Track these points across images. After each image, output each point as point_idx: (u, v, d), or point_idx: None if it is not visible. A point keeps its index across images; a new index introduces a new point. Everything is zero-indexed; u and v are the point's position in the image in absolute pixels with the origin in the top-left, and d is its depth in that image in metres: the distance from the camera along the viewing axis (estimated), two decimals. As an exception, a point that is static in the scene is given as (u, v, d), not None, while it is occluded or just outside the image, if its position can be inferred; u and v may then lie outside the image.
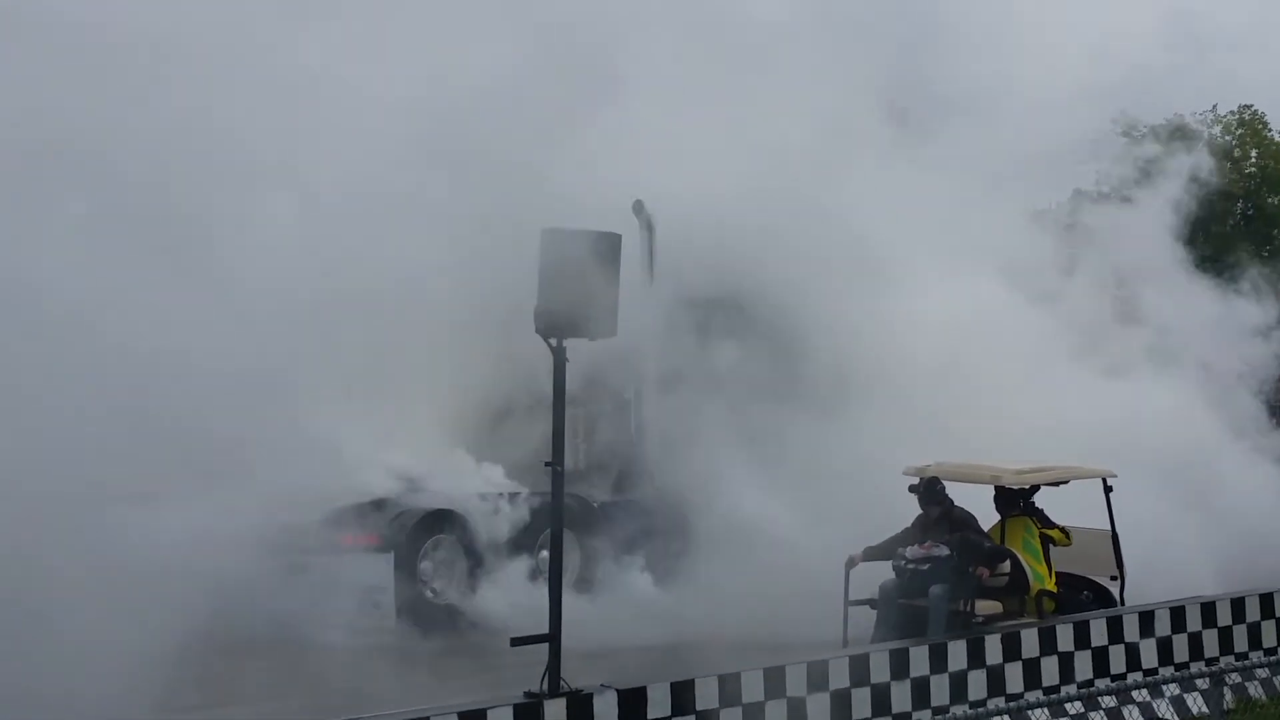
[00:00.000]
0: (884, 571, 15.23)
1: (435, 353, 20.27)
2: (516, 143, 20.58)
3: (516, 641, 11.98)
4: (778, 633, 15.91)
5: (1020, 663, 14.07)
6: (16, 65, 16.11)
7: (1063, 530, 15.59)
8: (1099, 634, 14.68)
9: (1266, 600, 16.00)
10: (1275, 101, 57.49)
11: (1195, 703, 14.30)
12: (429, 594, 19.11)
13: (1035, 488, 15.73)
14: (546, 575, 12.36)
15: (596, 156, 21.12)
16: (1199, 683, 13.91)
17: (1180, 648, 15.23)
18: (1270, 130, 50.63)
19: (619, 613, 18.77)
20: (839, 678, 12.96)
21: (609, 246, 11.99)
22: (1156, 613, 15.18)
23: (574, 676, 11.68)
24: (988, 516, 15.77)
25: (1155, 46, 32.92)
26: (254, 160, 18.71)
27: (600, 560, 20.22)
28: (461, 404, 20.94)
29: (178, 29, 17.93)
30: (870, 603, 15.07)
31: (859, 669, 13.11)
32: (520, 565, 19.35)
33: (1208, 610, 15.53)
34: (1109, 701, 14.02)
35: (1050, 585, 15.34)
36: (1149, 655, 14.98)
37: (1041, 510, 15.73)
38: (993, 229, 23.46)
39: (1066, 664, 14.39)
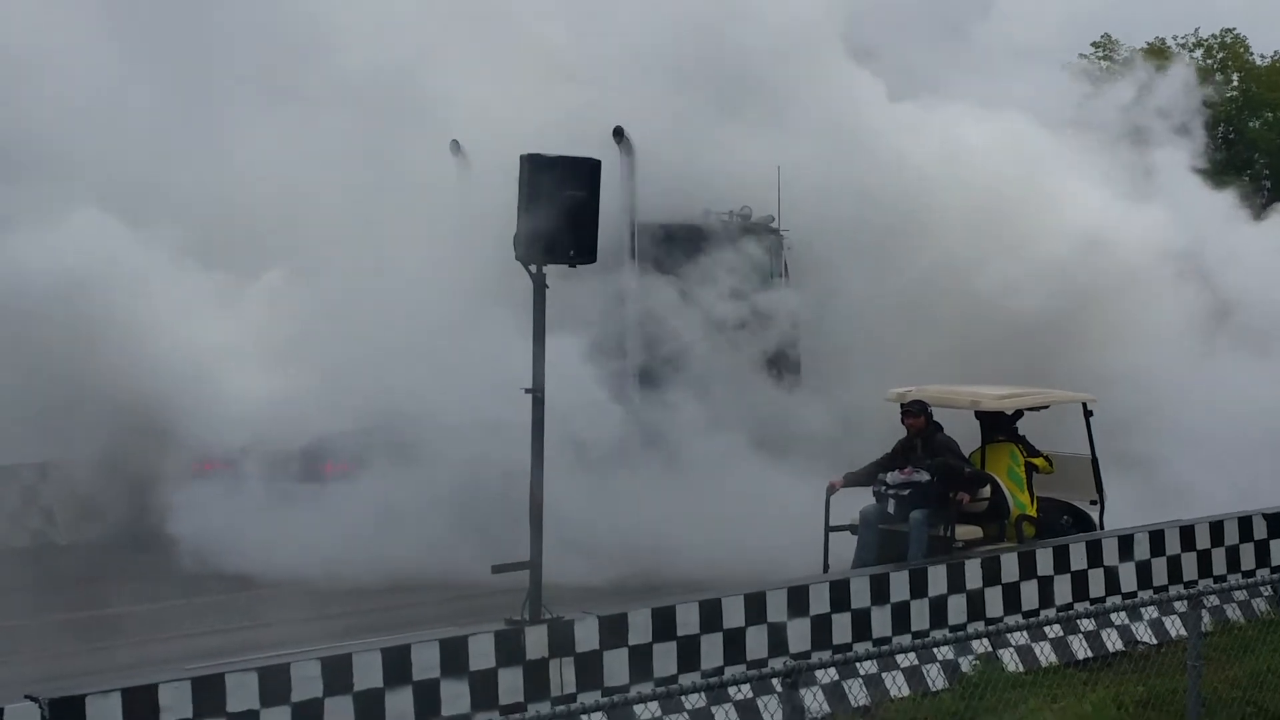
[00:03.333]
0: (864, 497, 15.25)
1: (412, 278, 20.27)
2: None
3: (498, 569, 12.00)
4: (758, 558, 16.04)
5: (1000, 587, 14.12)
6: None
7: (1046, 458, 15.60)
8: (1078, 558, 14.73)
9: (1245, 523, 16.06)
10: (1256, 24, 57.50)
11: (1174, 625, 14.40)
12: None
13: (1019, 414, 15.72)
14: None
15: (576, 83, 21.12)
16: (1177, 605, 14.03)
17: (1159, 571, 15.29)
18: (1252, 53, 50.53)
19: (598, 541, 18.84)
20: (819, 603, 13.01)
21: (589, 172, 11.91)
22: (1135, 536, 15.23)
23: (554, 604, 11.71)
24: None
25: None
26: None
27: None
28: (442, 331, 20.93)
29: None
30: (851, 528, 15.08)
31: (839, 594, 13.16)
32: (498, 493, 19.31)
33: (1186, 534, 15.58)
34: (1088, 625, 14.09)
35: (1031, 512, 15.36)
36: (1128, 579, 15.04)
37: (1025, 438, 15.72)
38: None
39: (1046, 588, 14.44)
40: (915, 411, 15.16)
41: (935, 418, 15.37)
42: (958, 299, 21.48)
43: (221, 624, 15.83)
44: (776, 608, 12.75)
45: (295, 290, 20.02)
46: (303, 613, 16.03)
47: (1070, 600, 14.54)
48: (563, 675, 11.61)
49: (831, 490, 15.13)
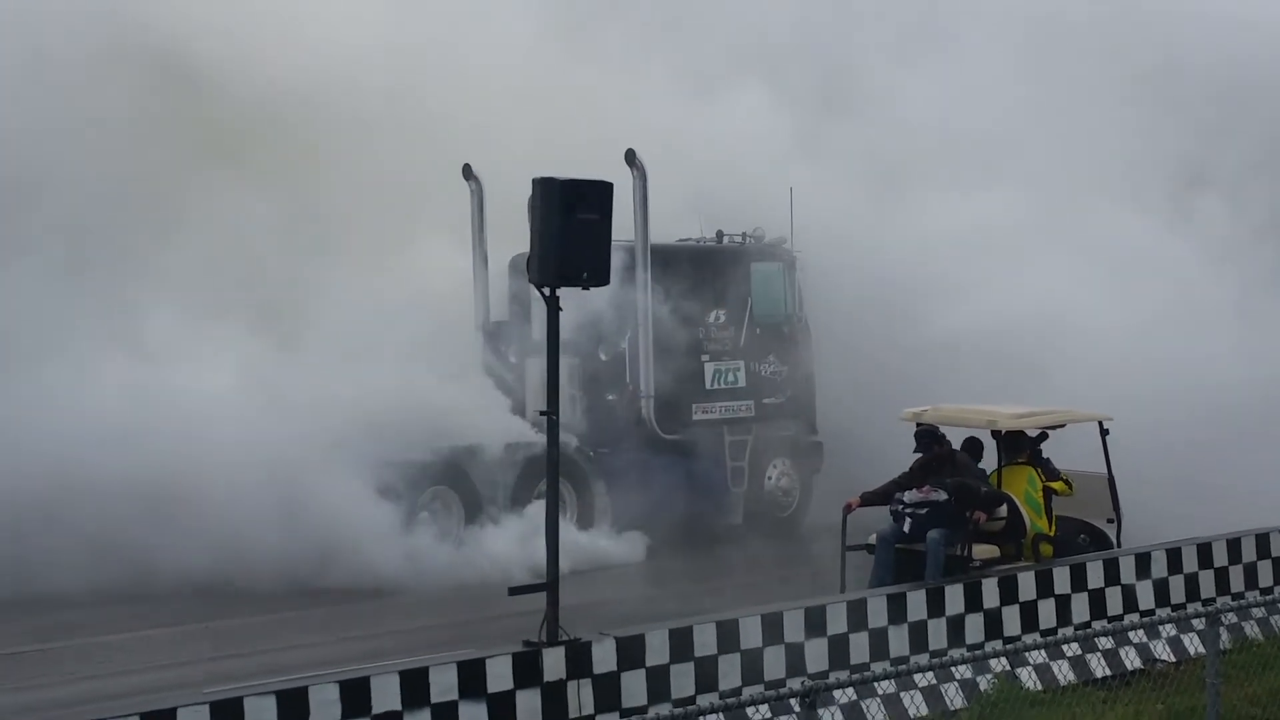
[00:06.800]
0: (881, 516, 15.23)
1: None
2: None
3: (515, 590, 12.01)
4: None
5: (1017, 606, 14.08)
6: None
7: (1066, 480, 15.54)
8: (1095, 576, 14.69)
9: (1262, 540, 16.02)
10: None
11: (1192, 643, 14.34)
12: (427, 544, 19.06)
13: (1043, 435, 15.64)
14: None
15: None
16: (1195, 623, 13.97)
17: (1176, 589, 15.24)
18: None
19: (617, 561, 18.90)
20: (837, 622, 12.98)
21: (601, 195, 11.92)
22: (1153, 554, 15.19)
23: (570, 625, 11.71)
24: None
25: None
26: None
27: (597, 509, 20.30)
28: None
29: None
30: (867, 548, 15.07)
31: (857, 614, 13.13)
32: (518, 515, 19.36)
33: (1204, 551, 15.54)
34: (1106, 643, 14.05)
35: (1050, 533, 15.31)
36: (1145, 597, 15.00)
37: (1048, 460, 15.64)
38: None
39: (1063, 606, 14.40)
40: (937, 441, 15.10)
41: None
42: None
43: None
44: (794, 628, 12.72)
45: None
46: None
47: (1088, 618, 14.50)
48: (580, 697, 11.60)
49: (848, 510, 15.13)
